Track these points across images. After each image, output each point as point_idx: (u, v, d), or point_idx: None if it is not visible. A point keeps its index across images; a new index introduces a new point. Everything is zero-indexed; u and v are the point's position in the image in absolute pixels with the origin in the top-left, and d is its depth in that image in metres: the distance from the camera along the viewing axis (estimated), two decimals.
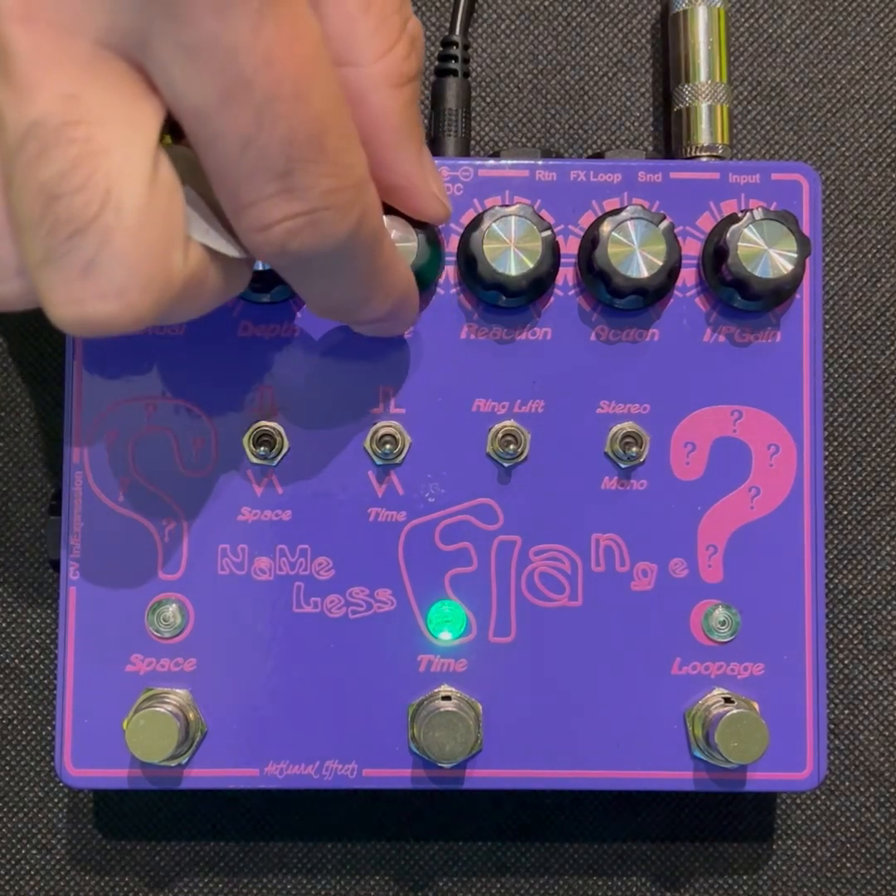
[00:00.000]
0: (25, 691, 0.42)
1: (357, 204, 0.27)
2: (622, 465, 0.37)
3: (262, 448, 0.36)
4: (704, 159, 0.39)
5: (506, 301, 0.36)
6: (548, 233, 0.36)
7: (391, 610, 0.37)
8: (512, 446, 0.37)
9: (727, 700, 0.36)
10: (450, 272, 0.37)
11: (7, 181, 0.25)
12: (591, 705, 0.37)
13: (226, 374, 0.37)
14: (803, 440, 0.37)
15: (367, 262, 0.29)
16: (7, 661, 0.42)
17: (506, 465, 0.37)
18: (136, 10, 0.24)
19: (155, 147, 0.25)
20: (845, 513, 0.43)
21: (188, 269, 0.27)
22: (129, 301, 0.25)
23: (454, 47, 0.41)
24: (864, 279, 0.43)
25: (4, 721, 0.42)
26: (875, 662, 0.42)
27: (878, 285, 0.43)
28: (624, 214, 0.36)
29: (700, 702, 0.37)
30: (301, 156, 0.25)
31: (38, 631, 0.42)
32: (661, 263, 0.36)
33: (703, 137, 0.39)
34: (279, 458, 0.37)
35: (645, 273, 0.36)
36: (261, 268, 0.35)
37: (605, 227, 0.36)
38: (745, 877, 0.42)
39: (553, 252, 0.36)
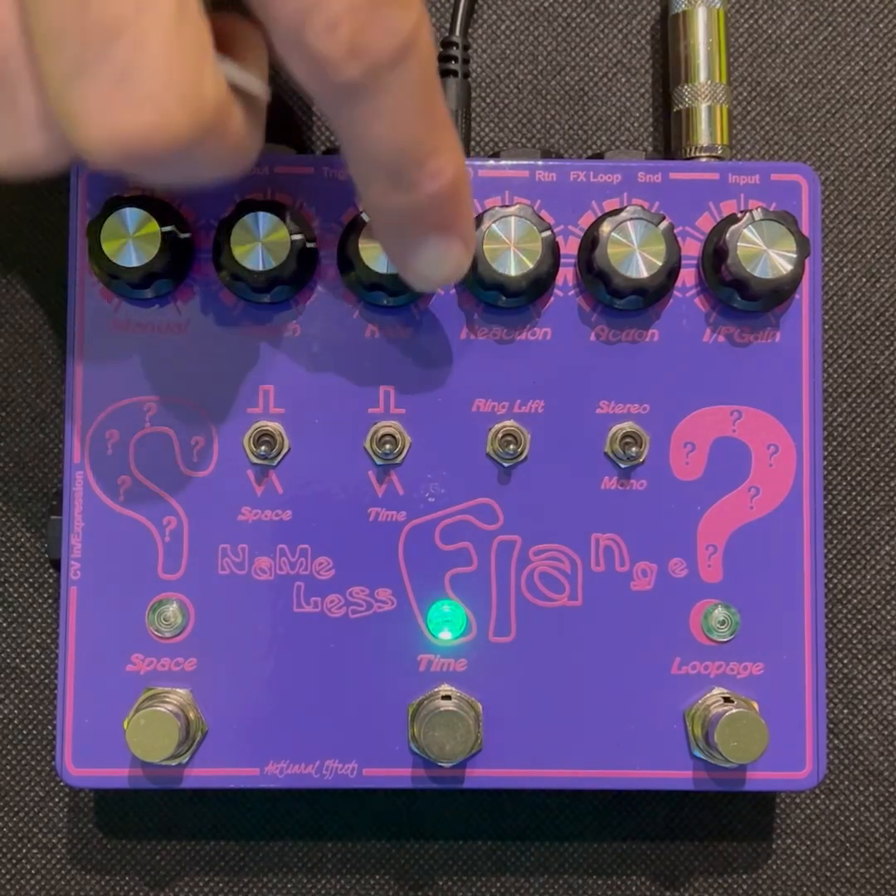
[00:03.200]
0: (26, 691, 0.42)
1: (418, 2, 0.27)
2: (622, 465, 0.37)
3: (262, 448, 0.36)
4: (704, 160, 0.39)
5: (506, 301, 0.37)
6: (547, 233, 0.36)
7: (391, 610, 0.37)
8: (512, 446, 0.37)
9: (727, 699, 0.36)
10: None
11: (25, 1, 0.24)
12: (590, 705, 0.37)
13: (226, 374, 0.37)
14: (803, 440, 0.37)
15: (428, 87, 0.28)
16: (8, 660, 0.42)
17: (506, 465, 0.37)
18: None
19: None
20: (845, 513, 0.43)
21: (219, 93, 0.26)
22: (164, 111, 0.25)
23: (454, 48, 0.41)
24: (864, 279, 0.43)
25: (5, 720, 0.42)
26: (874, 662, 0.43)
27: (878, 285, 0.43)
28: (623, 215, 0.36)
29: (700, 701, 0.37)
30: None
31: (38, 630, 0.42)
32: (660, 264, 0.36)
33: (703, 138, 0.39)
34: (279, 457, 0.37)
35: (644, 273, 0.36)
36: (262, 268, 0.35)
37: (605, 228, 0.36)
38: (744, 876, 0.42)
39: (553, 252, 0.36)
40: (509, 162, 0.37)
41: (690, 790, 0.37)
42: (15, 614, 0.42)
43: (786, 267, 0.36)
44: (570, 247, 0.37)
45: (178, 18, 0.25)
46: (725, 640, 0.37)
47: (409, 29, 0.27)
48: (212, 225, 0.37)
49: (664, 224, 0.36)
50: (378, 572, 0.37)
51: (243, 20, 0.28)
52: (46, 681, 0.42)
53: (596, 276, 0.36)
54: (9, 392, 0.42)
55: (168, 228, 0.35)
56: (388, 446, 0.36)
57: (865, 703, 0.42)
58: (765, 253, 0.36)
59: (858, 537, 0.43)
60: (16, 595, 0.42)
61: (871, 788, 0.42)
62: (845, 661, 0.42)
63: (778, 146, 0.43)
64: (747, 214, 0.36)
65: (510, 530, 0.37)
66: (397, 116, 0.28)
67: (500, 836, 0.42)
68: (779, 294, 0.37)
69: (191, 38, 0.25)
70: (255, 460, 0.37)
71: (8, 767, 0.42)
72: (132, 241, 0.35)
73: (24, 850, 0.42)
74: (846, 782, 0.42)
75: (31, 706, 0.42)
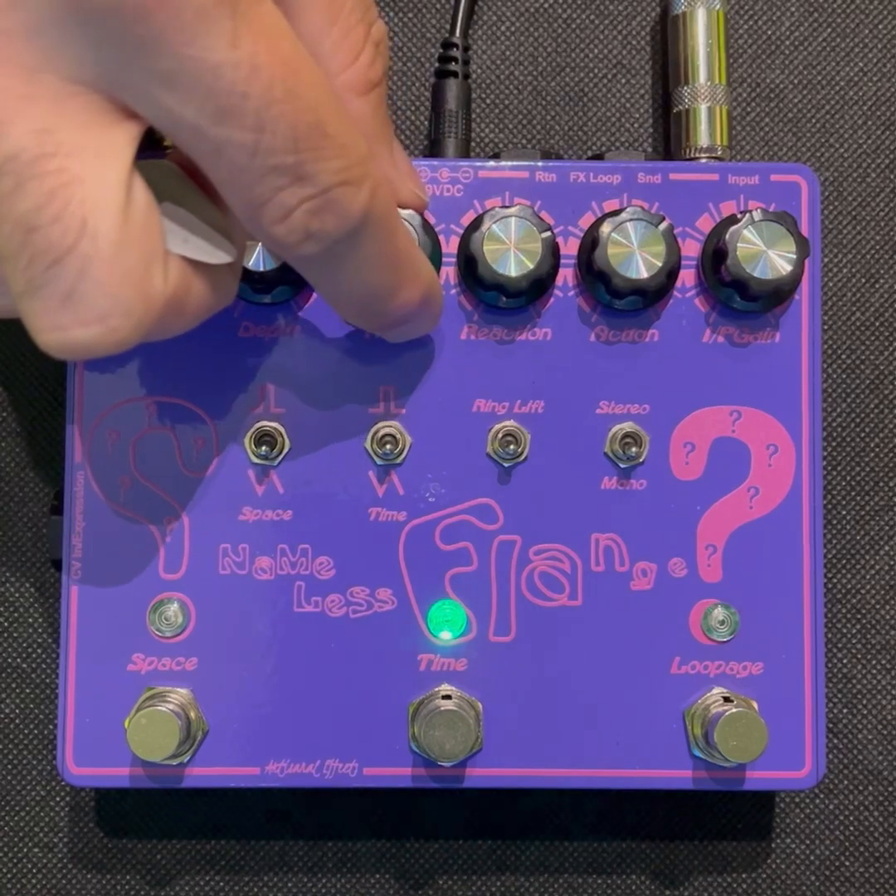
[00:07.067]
0: (27, 690, 0.42)
1: (367, 177, 0.28)
2: (622, 465, 0.37)
3: (262, 448, 0.36)
4: (704, 161, 0.39)
5: (506, 302, 0.37)
6: (548, 234, 0.36)
7: (391, 609, 0.37)
8: (512, 446, 0.37)
9: (726, 699, 0.36)
10: (450, 273, 0.37)
11: None
12: (590, 705, 0.37)
13: (226, 374, 0.37)
14: (802, 440, 0.37)
15: (388, 241, 0.30)
16: (9, 660, 0.42)
17: (506, 465, 0.37)
18: (105, 48, 0.24)
19: (129, 172, 0.26)
20: (844, 512, 0.43)
21: (169, 287, 0.27)
22: (110, 326, 0.26)
23: (454, 49, 0.41)
24: (863, 280, 0.43)
25: (7, 720, 0.42)
26: (873, 661, 0.43)
27: (877, 286, 0.43)
28: (623, 215, 0.36)
29: (699, 701, 0.37)
30: (307, 146, 0.26)
31: (40, 630, 0.42)
32: (660, 264, 0.36)
33: (703, 139, 0.39)
34: (280, 457, 0.37)
35: (644, 274, 0.36)
36: (263, 269, 0.35)
37: (605, 228, 0.36)
38: (743, 875, 0.42)
39: (553, 253, 0.36)
40: (509, 163, 0.37)
41: (690, 790, 0.37)
42: (15, 614, 0.42)
43: (785, 267, 0.36)
44: (570, 247, 0.37)
45: (121, 235, 0.26)
46: (725, 639, 0.37)
47: (362, 206, 0.28)
48: None
49: (664, 225, 0.36)
50: (378, 572, 0.37)
51: None
52: (47, 680, 0.42)
53: (596, 276, 0.36)
54: (9, 392, 0.42)
55: None
56: (388, 446, 0.37)
57: (865, 702, 0.42)
58: (764, 253, 0.36)
59: (858, 537, 0.43)
60: (16, 595, 0.42)
61: (871, 788, 0.42)
62: (845, 661, 0.42)
63: (777, 147, 0.43)
64: (747, 215, 0.36)
65: (510, 530, 0.37)
66: (360, 271, 0.30)
67: (500, 836, 0.42)
68: (778, 294, 0.37)
69: (137, 247, 0.26)
70: (256, 460, 0.37)
71: (9, 767, 0.42)
72: None
73: (26, 849, 0.42)
74: (846, 782, 0.42)
75: (32, 705, 0.42)
